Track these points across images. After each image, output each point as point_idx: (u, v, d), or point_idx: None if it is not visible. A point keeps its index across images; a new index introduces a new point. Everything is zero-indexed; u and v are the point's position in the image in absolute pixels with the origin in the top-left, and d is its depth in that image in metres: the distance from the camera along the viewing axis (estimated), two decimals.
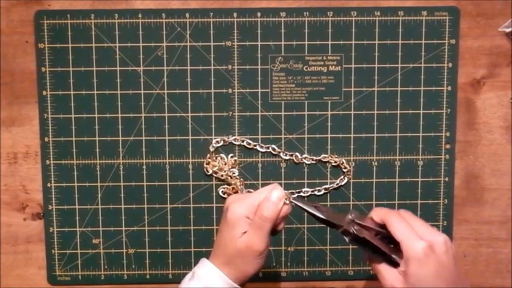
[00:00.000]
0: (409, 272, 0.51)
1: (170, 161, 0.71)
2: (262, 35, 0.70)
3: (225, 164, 0.71)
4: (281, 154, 0.71)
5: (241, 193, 0.68)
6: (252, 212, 0.55)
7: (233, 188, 0.71)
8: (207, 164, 0.71)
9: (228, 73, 0.71)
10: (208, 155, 0.71)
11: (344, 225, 0.54)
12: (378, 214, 0.55)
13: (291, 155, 0.71)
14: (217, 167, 0.71)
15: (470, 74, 0.71)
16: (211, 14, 0.70)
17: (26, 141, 0.71)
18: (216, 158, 0.71)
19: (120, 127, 0.71)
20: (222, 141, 0.71)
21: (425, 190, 0.72)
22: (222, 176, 0.71)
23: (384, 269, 0.54)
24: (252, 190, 0.71)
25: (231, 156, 0.71)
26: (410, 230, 0.52)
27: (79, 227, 0.72)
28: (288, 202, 0.55)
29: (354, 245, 0.55)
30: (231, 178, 0.71)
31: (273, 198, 0.55)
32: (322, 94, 0.71)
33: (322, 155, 0.71)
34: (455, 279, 0.52)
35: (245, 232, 0.55)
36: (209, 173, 0.71)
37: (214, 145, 0.71)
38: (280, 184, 0.71)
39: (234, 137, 0.71)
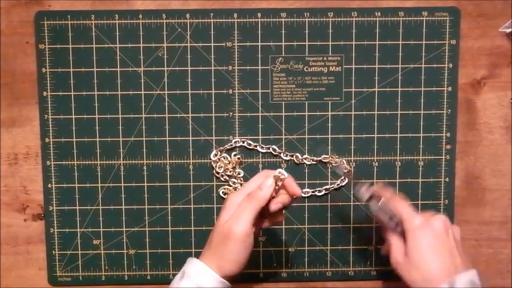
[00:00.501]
0: (408, 244, 0.57)
1: (171, 161, 0.71)
2: (263, 35, 0.70)
3: (229, 163, 0.71)
4: (282, 155, 0.71)
5: None
6: (250, 221, 0.56)
7: (235, 188, 0.71)
8: (215, 163, 0.71)
9: (228, 74, 0.71)
10: (213, 153, 0.71)
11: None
12: (382, 192, 0.62)
13: (292, 156, 0.71)
14: (222, 167, 0.71)
15: (471, 74, 0.71)
16: (212, 14, 0.70)
17: (26, 142, 0.71)
18: (219, 159, 0.71)
19: (120, 128, 0.71)
20: (228, 144, 0.71)
21: (425, 191, 0.72)
22: (228, 176, 0.71)
23: (394, 241, 0.59)
24: None
25: (234, 155, 0.71)
26: (411, 209, 0.59)
27: (80, 227, 0.72)
28: (283, 177, 0.58)
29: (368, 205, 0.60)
30: (236, 179, 0.71)
31: (264, 186, 0.57)
32: (323, 95, 0.71)
33: (323, 156, 0.71)
34: (454, 258, 0.56)
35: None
36: (219, 173, 0.71)
37: (221, 147, 0.71)
38: None
39: (235, 139, 0.71)
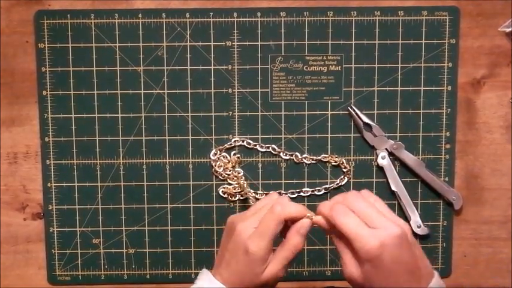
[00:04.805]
0: (364, 270, 0.49)
1: (170, 160, 0.71)
2: (262, 34, 0.70)
3: (229, 162, 0.71)
4: (281, 154, 0.71)
5: (245, 213, 0.62)
6: (271, 243, 0.53)
7: (234, 187, 0.71)
8: (214, 162, 0.71)
9: (228, 73, 0.71)
10: (213, 152, 0.71)
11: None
12: (323, 214, 0.52)
13: (291, 155, 0.71)
14: (222, 167, 0.71)
15: (470, 73, 0.71)
16: (212, 13, 0.70)
17: (26, 141, 0.71)
18: (218, 159, 0.71)
19: (120, 127, 0.71)
20: (228, 144, 0.71)
21: (425, 190, 0.72)
22: (227, 175, 0.71)
23: (346, 254, 0.51)
24: (255, 195, 0.71)
25: (234, 154, 0.71)
26: (358, 225, 0.49)
27: (79, 226, 0.72)
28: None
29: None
30: (236, 178, 0.71)
31: (302, 231, 0.53)
32: (322, 94, 0.71)
33: (322, 155, 0.71)
34: (413, 268, 0.49)
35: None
36: (217, 172, 0.71)
37: (221, 146, 0.71)
38: (280, 184, 0.71)
39: (235, 139, 0.71)
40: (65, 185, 0.72)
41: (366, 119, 0.70)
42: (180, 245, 0.72)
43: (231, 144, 0.71)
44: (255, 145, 0.71)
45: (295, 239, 0.53)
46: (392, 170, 0.70)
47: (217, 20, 0.70)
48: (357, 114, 0.70)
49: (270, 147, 0.71)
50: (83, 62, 0.70)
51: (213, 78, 0.71)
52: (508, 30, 0.70)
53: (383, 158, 0.70)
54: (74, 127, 0.71)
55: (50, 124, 0.71)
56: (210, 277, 0.55)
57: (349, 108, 0.70)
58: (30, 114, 0.71)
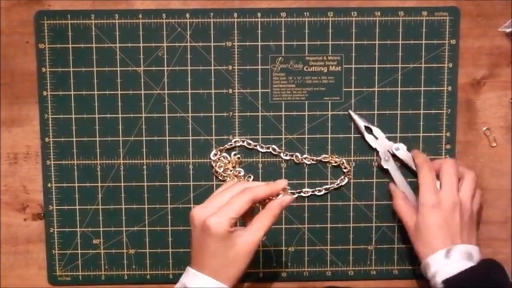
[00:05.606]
0: (419, 217, 0.64)
1: (170, 161, 0.71)
2: (263, 35, 0.70)
3: (229, 163, 0.71)
4: (281, 154, 0.71)
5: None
6: (231, 218, 0.56)
7: None
8: (214, 163, 0.71)
9: (228, 73, 0.71)
10: (213, 152, 0.71)
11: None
12: (416, 158, 0.69)
13: (292, 155, 0.71)
14: (222, 167, 0.71)
15: (471, 74, 0.71)
16: (212, 14, 0.70)
17: (26, 141, 0.71)
18: (219, 159, 0.71)
19: (120, 127, 0.71)
20: (228, 144, 0.71)
21: None
22: (228, 175, 0.71)
23: (407, 207, 0.67)
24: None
25: (234, 154, 0.71)
26: (431, 182, 0.64)
27: (79, 227, 0.72)
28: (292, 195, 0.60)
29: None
30: (237, 178, 0.71)
31: (284, 204, 0.59)
32: (323, 94, 0.71)
33: (323, 155, 0.71)
34: (455, 235, 0.62)
35: (235, 235, 0.56)
36: (218, 172, 0.71)
37: (221, 147, 0.71)
38: None
39: (235, 139, 0.71)
40: (65, 185, 0.72)
41: (366, 123, 0.70)
42: (181, 245, 0.72)
43: (231, 144, 0.71)
44: (255, 145, 0.71)
45: (276, 210, 0.58)
46: (397, 171, 0.70)
47: (218, 20, 0.70)
48: (357, 116, 0.70)
49: (270, 148, 0.71)
50: (83, 62, 0.70)
51: (213, 79, 0.71)
52: (508, 30, 0.70)
53: (387, 160, 0.70)
54: (74, 127, 0.71)
55: (50, 124, 0.71)
56: (187, 268, 0.59)
57: (349, 111, 0.70)
58: (30, 115, 0.71)
